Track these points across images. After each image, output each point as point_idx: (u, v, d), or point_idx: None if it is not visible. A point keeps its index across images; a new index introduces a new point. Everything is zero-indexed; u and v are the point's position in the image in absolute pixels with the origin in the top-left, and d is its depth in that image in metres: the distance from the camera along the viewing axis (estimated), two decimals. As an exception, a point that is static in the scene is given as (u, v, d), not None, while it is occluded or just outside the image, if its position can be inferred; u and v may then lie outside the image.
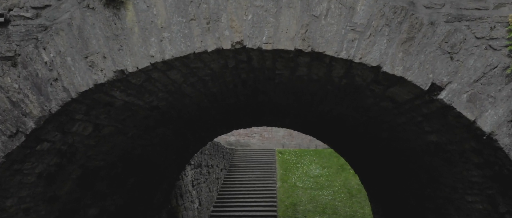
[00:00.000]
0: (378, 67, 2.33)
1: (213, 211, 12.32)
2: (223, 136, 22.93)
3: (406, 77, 2.32)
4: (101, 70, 2.41)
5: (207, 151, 12.03)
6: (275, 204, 12.74)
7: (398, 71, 2.32)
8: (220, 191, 14.16)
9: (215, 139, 17.58)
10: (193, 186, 10.06)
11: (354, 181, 14.94)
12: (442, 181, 3.58)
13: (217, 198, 13.43)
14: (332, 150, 20.98)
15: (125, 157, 4.28)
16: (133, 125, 3.64)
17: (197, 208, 10.26)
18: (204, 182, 11.46)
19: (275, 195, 13.53)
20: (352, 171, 16.07)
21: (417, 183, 4.39)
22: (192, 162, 10.17)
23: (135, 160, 4.65)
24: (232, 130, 7.06)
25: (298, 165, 17.29)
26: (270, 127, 24.94)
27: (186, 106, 3.96)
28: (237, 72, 3.01)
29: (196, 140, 6.33)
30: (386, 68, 2.32)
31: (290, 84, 3.31)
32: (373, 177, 6.42)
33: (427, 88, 2.31)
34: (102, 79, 2.41)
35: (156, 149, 5.05)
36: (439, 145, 3.05)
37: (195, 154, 10.40)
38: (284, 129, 25.16)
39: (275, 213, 11.93)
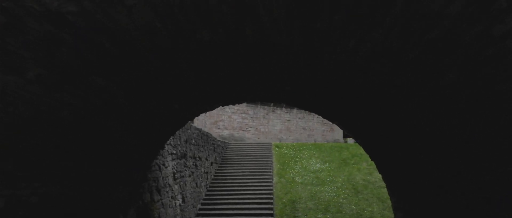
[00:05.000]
0: None
1: (200, 209, 10.82)
2: (216, 130, 21.47)
3: None
4: None
5: (193, 141, 10.54)
6: (272, 201, 11.26)
7: None
8: (210, 186, 12.67)
9: (208, 133, 15.92)
10: (174, 179, 8.57)
11: (359, 176, 13.53)
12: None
13: (206, 195, 11.93)
14: (333, 144, 19.59)
15: (39, 120, 2.78)
16: (31, 56, 2.15)
17: (179, 205, 8.77)
18: (190, 175, 9.96)
19: (271, 191, 12.05)
20: (356, 165, 14.64)
21: (481, 162, 2.94)
22: (174, 151, 8.69)
23: (66, 129, 3.15)
24: (216, 106, 5.58)
25: (297, 159, 15.83)
26: (266, 121, 23.49)
27: (129, 33, 2.48)
28: None
29: (168, 114, 4.84)
30: None
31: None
32: (398, 164, 4.97)
33: None
34: None
35: (103, 118, 3.56)
36: None
37: (178, 143, 8.91)
38: (281, 123, 23.72)
39: (271, 211, 10.45)
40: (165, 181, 7.78)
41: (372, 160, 6.07)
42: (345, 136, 31.78)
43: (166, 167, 7.94)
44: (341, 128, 6.09)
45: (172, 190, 8.33)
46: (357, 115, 4.78)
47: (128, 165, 5.06)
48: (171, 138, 8.58)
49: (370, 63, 2.93)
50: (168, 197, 7.92)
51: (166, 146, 8.09)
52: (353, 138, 6.01)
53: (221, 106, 6.24)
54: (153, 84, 3.61)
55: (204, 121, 20.95)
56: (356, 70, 3.20)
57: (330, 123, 26.18)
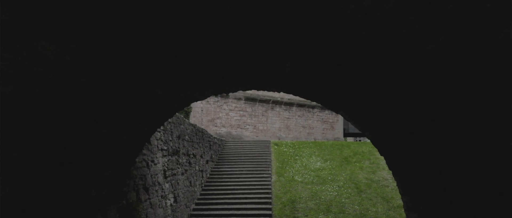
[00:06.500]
0: None
1: (194, 209, 10.20)
2: (213, 128, 20.86)
3: None
4: None
5: (187, 137, 9.92)
6: (270, 201, 10.65)
7: None
8: (205, 185, 12.05)
9: (203, 129, 15.29)
10: (165, 177, 7.95)
11: (362, 175, 12.93)
12: None
13: (201, 194, 11.32)
14: (334, 142, 19.01)
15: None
16: None
17: (171, 205, 8.15)
18: (183, 174, 9.35)
19: (270, 191, 11.44)
20: (358, 164, 14.04)
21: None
22: (165, 147, 8.07)
23: (11, 108, 2.54)
24: (206, 93, 4.96)
25: (297, 157, 15.22)
26: (265, 119, 22.89)
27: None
28: None
29: (149, 100, 4.22)
30: None
31: None
32: (414, 159, 4.37)
33: None
34: None
35: (60, 97, 2.94)
36: None
37: (170, 138, 8.30)
38: (280, 121, 23.12)
39: (270, 212, 9.85)
40: (154, 179, 7.17)
41: (381, 155, 5.46)
42: (346, 135, 31.20)
43: (155, 164, 7.33)
44: (346, 119, 5.48)
45: (163, 189, 7.72)
46: (368, 101, 4.17)
47: (102, 160, 4.45)
48: (162, 133, 7.97)
49: (394, 22, 2.33)
50: (157, 196, 7.31)
51: (155, 141, 7.48)
52: (360, 130, 5.40)
53: (213, 95, 5.63)
54: (121, 57, 2.99)
55: (201, 118, 20.34)
56: (373, 35, 2.59)
57: (331, 121, 25.58)
